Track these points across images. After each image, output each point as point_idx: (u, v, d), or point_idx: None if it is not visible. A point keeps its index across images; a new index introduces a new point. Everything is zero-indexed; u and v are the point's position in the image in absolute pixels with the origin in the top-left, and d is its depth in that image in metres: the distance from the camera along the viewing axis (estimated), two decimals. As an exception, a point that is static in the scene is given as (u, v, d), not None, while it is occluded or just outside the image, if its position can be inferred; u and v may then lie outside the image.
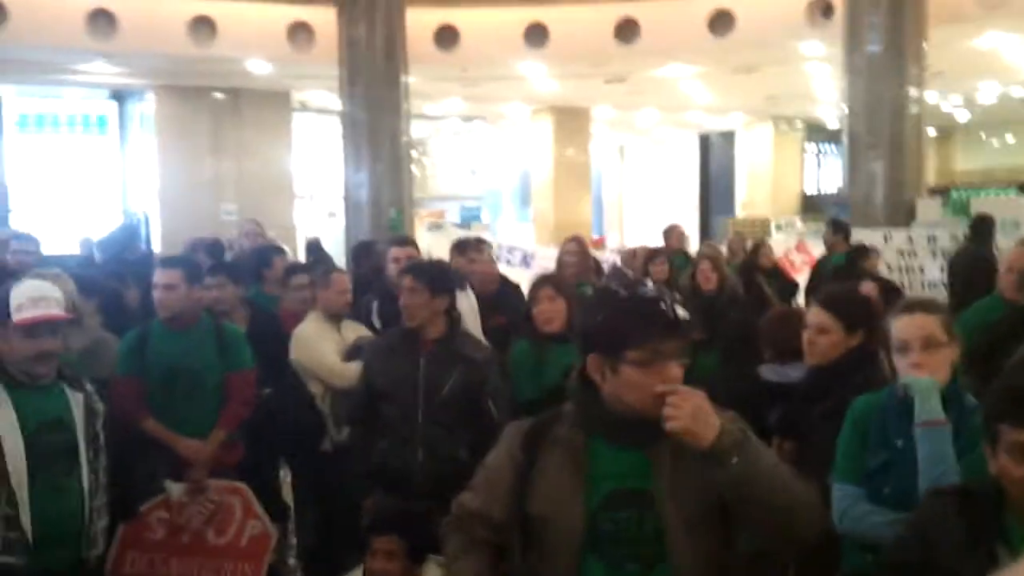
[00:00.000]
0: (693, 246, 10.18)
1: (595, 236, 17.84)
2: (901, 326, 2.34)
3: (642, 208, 23.09)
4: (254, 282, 4.78)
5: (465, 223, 17.50)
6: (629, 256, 7.73)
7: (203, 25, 11.64)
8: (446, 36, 12.05)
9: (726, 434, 1.59)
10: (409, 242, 5.15)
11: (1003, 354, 3.15)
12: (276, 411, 3.76)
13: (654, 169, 23.37)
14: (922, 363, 2.24)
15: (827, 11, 10.92)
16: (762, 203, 18.92)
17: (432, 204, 18.36)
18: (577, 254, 5.31)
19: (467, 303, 3.87)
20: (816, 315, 2.81)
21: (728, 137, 20.69)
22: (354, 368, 3.59)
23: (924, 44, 9.86)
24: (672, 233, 8.67)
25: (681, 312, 1.64)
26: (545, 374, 3.42)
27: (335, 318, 3.96)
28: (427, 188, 20.24)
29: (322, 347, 3.82)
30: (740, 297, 5.71)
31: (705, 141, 21.93)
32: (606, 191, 24.17)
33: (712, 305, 5.18)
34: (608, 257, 9.44)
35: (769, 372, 3.57)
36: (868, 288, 4.32)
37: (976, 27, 10.78)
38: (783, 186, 19.29)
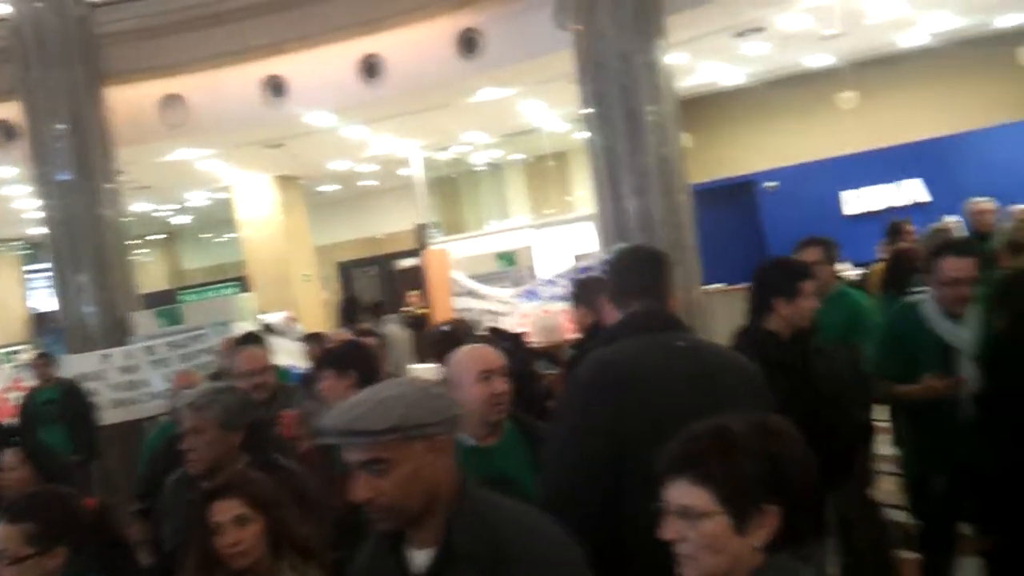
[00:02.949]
0: None
1: None
2: None
3: None
4: None
5: None
6: None
7: None
8: None
9: None
10: None
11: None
12: None
13: None
14: None
15: (10, 134, 10.41)
16: (-14, 331, 17.11)
17: None
18: None
19: None
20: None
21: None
22: None
23: (114, 165, 10.05)
24: None
25: None
26: None
27: None
28: None
29: None
30: None
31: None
32: None
33: None
34: None
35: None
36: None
37: (166, 145, 11.44)
38: (7, 310, 17.71)
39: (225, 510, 2.35)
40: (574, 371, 2.48)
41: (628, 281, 2.57)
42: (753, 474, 1.53)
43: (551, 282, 8.50)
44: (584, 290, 4.74)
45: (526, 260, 12.00)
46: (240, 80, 10.66)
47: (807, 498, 1.59)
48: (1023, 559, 2.99)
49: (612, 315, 2.62)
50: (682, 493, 1.56)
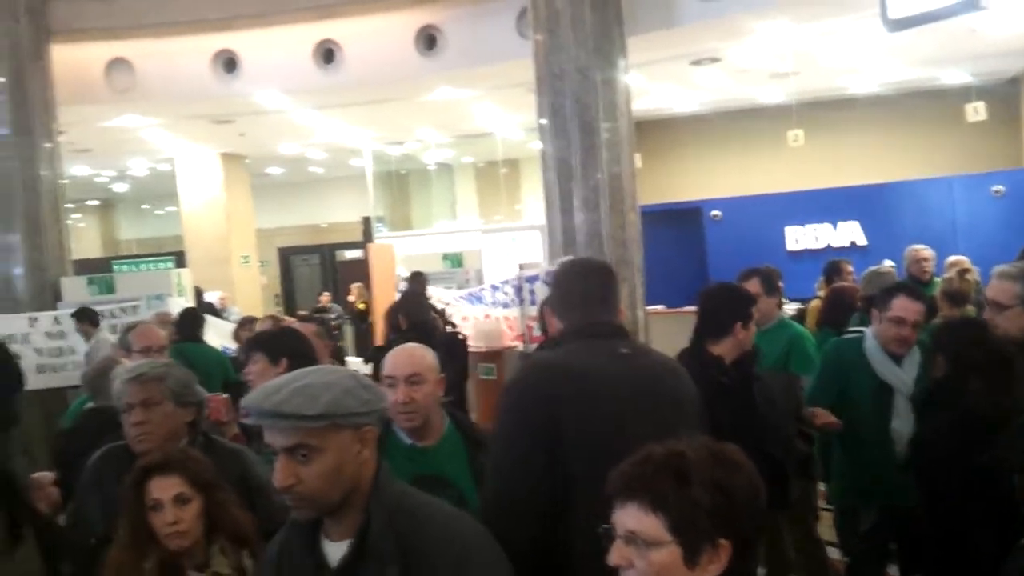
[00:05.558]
0: None
1: None
2: None
3: None
4: None
5: None
6: None
7: None
8: None
9: None
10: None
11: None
12: None
13: None
14: None
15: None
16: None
17: None
18: None
19: None
20: None
21: None
22: None
23: (55, 124, 9.72)
24: None
25: None
26: None
27: None
28: None
29: None
30: None
31: None
32: None
33: None
34: None
35: None
36: None
37: (111, 109, 11.09)
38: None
39: (165, 487, 2.26)
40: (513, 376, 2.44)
41: (574, 293, 2.51)
42: (708, 505, 1.45)
43: (496, 288, 8.47)
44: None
45: (473, 263, 11.96)
46: (192, 51, 10.41)
47: (757, 534, 1.54)
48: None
49: (556, 327, 2.60)
50: (632, 518, 1.47)
